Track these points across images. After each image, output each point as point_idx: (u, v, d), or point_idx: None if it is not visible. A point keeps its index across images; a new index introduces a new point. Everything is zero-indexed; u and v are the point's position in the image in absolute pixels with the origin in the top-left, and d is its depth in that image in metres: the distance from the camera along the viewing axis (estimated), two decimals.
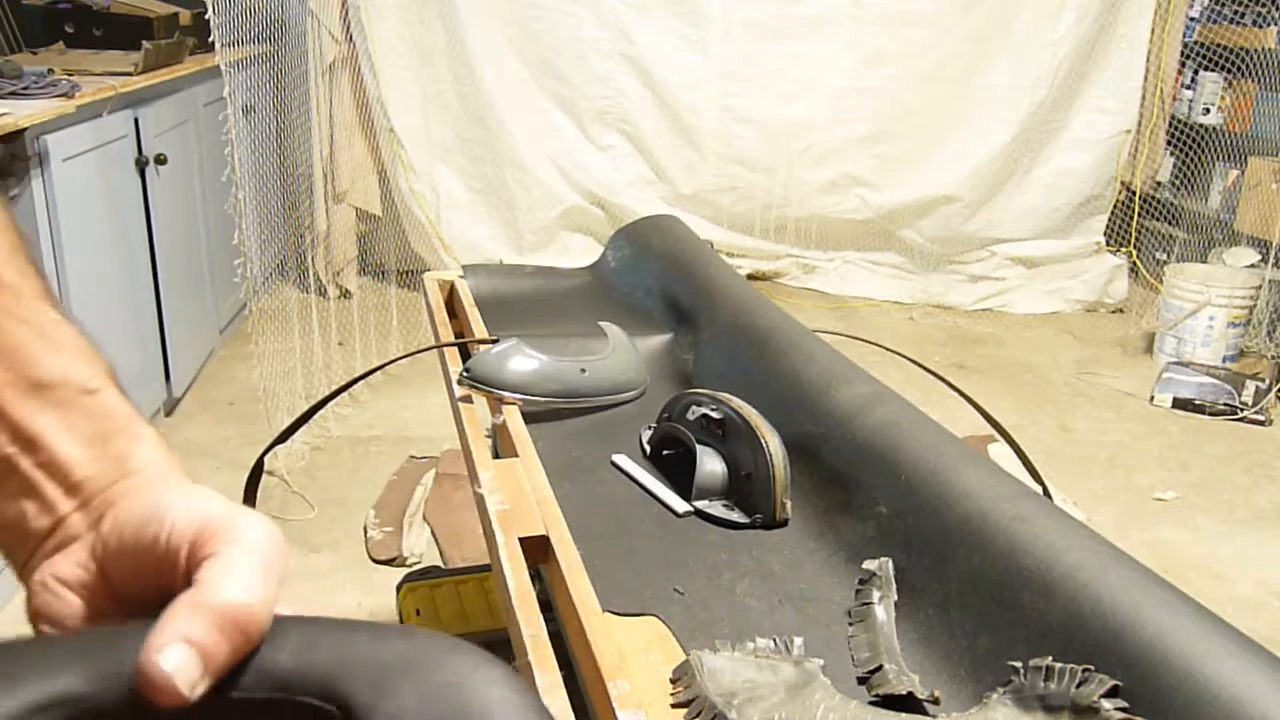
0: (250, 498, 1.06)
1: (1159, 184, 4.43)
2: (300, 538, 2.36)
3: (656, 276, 1.47)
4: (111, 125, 2.61)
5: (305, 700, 0.31)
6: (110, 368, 0.41)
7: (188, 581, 0.33)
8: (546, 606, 0.75)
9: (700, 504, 0.96)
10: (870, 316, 4.20)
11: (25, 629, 0.38)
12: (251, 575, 0.33)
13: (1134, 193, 4.27)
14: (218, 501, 0.35)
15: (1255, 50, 3.97)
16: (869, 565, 0.83)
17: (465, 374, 1.07)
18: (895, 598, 0.79)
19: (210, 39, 2.53)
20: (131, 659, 0.31)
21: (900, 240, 4.40)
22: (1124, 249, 4.36)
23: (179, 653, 0.31)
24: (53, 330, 0.40)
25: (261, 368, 2.81)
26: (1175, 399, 3.34)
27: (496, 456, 1.00)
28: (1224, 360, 3.63)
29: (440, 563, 2.29)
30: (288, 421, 1.25)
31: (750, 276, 4.23)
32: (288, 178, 3.50)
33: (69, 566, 0.37)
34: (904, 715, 0.67)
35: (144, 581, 0.35)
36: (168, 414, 3.00)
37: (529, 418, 1.07)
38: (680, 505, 0.96)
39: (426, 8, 3.80)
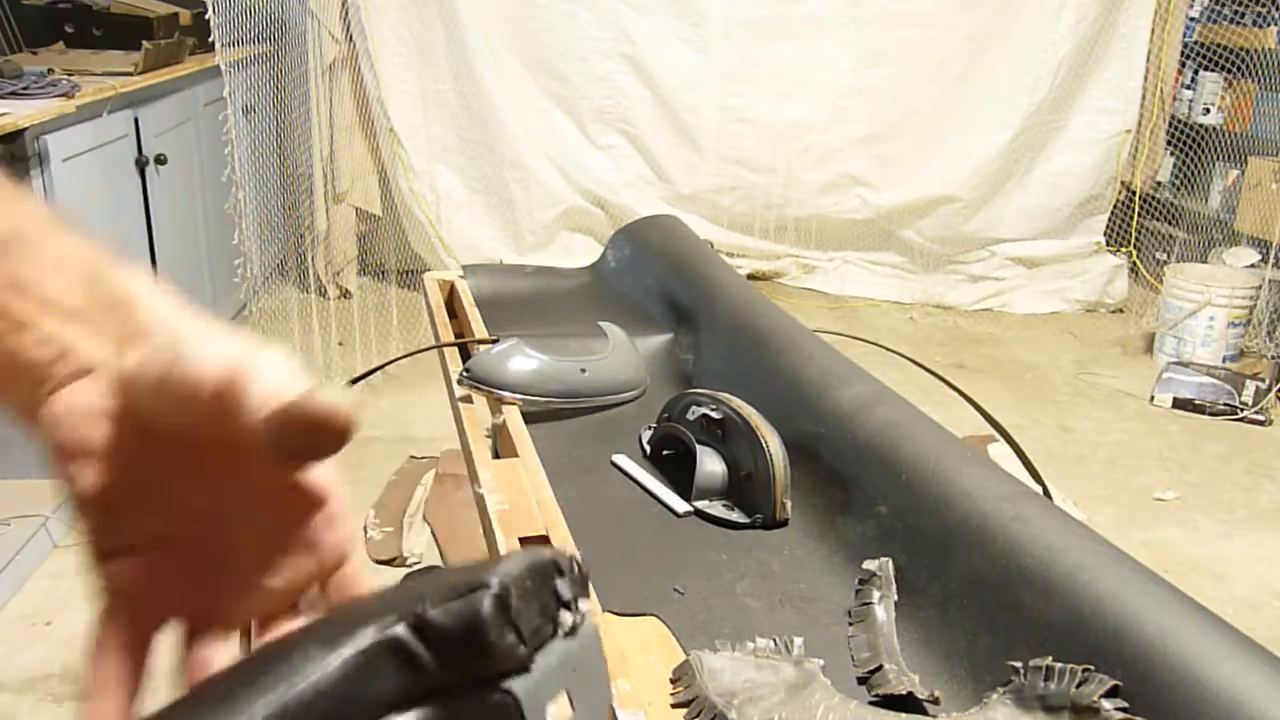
0: None
1: (1159, 184, 4.43)
2: None
3: (656, 276, 1.47)
4: (111, 125, 2.61)
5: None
6: (93, 238, 0.41)
7: (225, 419, 0.33)
8: None
9: (700, 504, 0.96)
10: (870, 316, 4.20)
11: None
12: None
13: (1134, 193, 4.27)
14: (236, 343, 0.35)
15: (1255, 50, 3.97)
16: (869, 565, 0.83)
17: (465, 374, 1.07)
18: (895, 598, 0.79)
19: (210, 39, 2.53)
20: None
21: (900, 240, 4.40)
22: (1124, 249, 4.36)
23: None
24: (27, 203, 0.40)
25: None
26: (1175, 399, 3.34)
27: (496, 456, 1.00)
28: (1224, 360, 3.63)
29: (440, 563, 2.29)
30: None
31: (750, 276, 4.23)
32: (288, 178, 3.50)
33: (90, 396, 0.36)
34: (904, 715, 0.67)
35: (177, 413, 0.35)
36: None
37: (529, 418, 1.07)
38: (680, 505, 0.97)
39: (426, 8, 3.80)
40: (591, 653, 0.33)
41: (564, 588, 0.32)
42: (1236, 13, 4.14)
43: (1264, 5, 3.99)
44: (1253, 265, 3.86)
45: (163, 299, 0.38)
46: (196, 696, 0.30)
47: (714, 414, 0.99)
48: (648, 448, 1.08)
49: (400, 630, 0.29)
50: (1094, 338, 4.03)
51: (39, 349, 0.36)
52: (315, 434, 0.31)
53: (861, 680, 0.73)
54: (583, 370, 1.14)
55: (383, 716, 0.29)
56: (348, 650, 0.29)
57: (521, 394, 1.08)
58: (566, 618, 0.32)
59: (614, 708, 0.63)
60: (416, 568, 2.19)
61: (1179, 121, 4.33)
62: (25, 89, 2.35)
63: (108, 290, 0.38)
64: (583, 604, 0.33)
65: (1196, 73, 4.35)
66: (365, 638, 0.29)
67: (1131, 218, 4.31)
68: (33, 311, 0.36)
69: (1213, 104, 4.32)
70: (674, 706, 0.69)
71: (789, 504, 0.94)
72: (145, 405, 0.35)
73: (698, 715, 0.67)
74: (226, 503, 0.37)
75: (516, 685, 0.30)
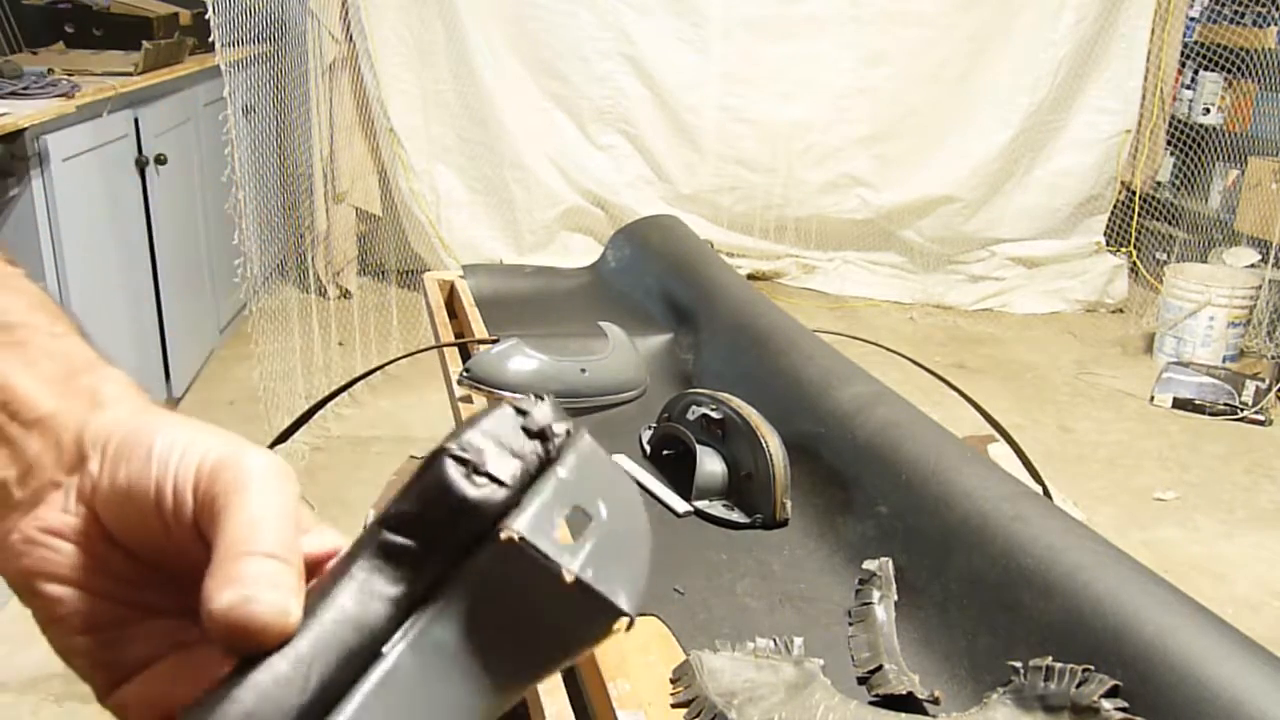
0: None
1: (1159, 184, 4.44)
2: None
3: (656, 276, 1.47)
4: (111, 125, 2.61)
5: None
6: (78, 324, 0.38)
7: (197, 532, 0.32)
8: None
9: (700, 504, 0.96)
10: (870, 316, 4.20)
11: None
12: (271, 519, 0.31)
13: (1134, 193, 4.27)
14: (217, 438, 0.33)
15: (1255, 50, 3.97)
16: (869, 565, 0.83)
17: (465, 374, 1.07)
18: (895, 598, 0.79)
19: (210, 39, 2.53)
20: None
21: (900, 240, 4.40)
22: (1124, 249, 4.37)
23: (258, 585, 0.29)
24: (13, 281, 0.38)
25: (261, 368, 2.81)
26: (1175, 399, 3.34)
27: None
28: (1224, 360, 3.63)
29: None
30: (288, 421, 1.25)
31: (750, 276, 4.23)
32: (288, 178, 3.50)
33: (54, 515, 0.33)
34: (904, 715, 0.67)
35: (146, 528, 0.32)
36: None
37: None
38: (680, 505, 0.96)
39: (426, 8, 3.80)
40: (593, 464, 0.32)
41: (534, 420, 0.31)
42: (1236, 13, 4.14)
43: (1264, 5, 3.99)
44: (1253, 265, 3.86)
45: (129, 400, 0.35)
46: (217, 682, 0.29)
47: (714, 414, 0.99)
48: (648, 448, 1.08)
49: (383, 535, 0.29)
50: (1094, 338, 4.03)
51: (6, 467, 0.33)
52: (252, 641, 0.29)
53: (861, 680, 0.73)
54: (583, 370, 1.14)
55: (405, 619, 0.29)
56: (345, 582, 0.29)
57: (521, 394, 1.08)
58: (545, 445, 0.31)
59: (614, 707, 0.63)
60: None
61: (1179, 121, 4.33)
62: (25, 89, 2.35)
63: (79, 393, 0.35)
64: (559, 426, 0.31)
65: (1196, 73, 4.35)
66: (360, 565, 0.29)
67: (1131, 218, 4.31)
68: (2, 418, 0.34)
69: (1213, 104, 4.32)
70: (674, 706, 0.69)
71: (789, 504, 0.94)
72: (114, 521, 0.33)
73: (698, 715, 0.67)
74: None
75: (512, 522, 0.29)
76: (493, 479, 0.29)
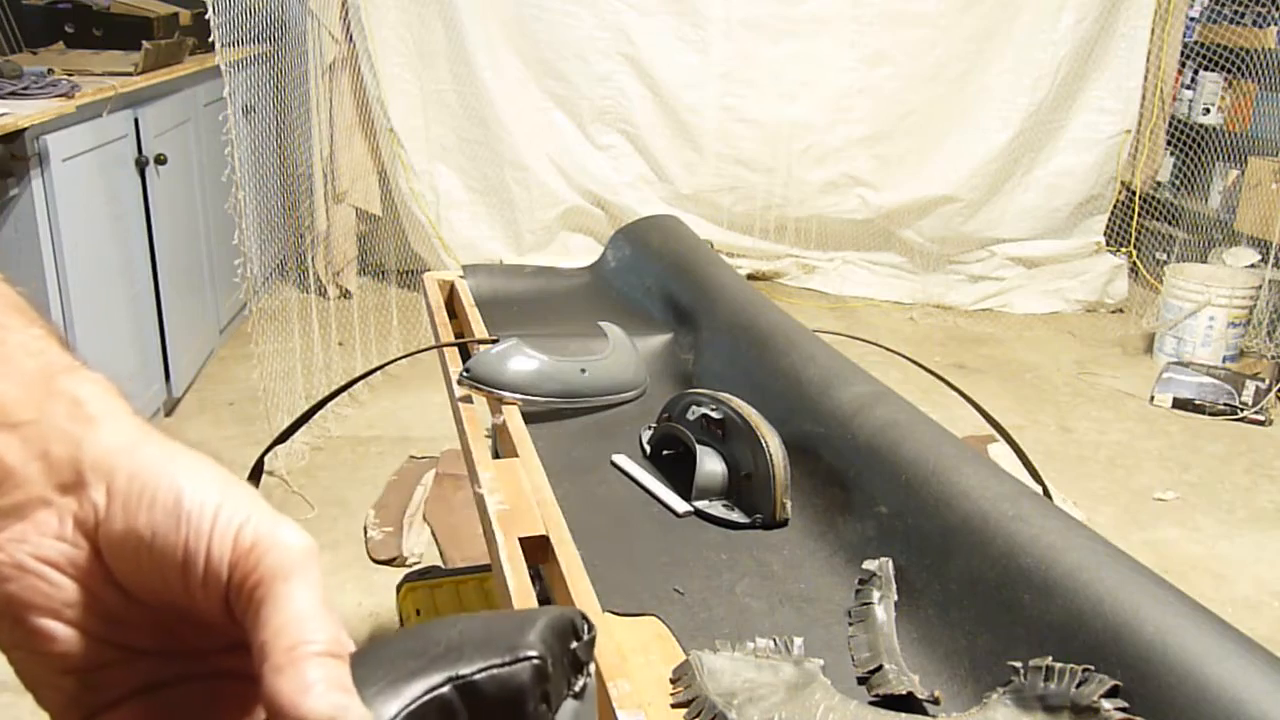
0: None
1: (1159, 184, 4.44)
2: None
3: (656, 276, 1.47)
4: (111, 125, 2.61)
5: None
6: (57, 331, 0.36)
7: (226, 606, 0.30)
8: None
9: (700, 504, 0.96)
10: (870, 316, 4.20)
11: None
12: (317, 612, 0.30)
13: (1134, 193, 4.27)
14: (247, 501, 0.31)
15: (1255, 50, 3.97)
16: (869, 565, 0.83)
17: (465, 374, 1.07)
18: (895, 598, 0.79)
19: (210, 39, 2.53)
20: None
21: (900, 240, 4.40)
22: (1124, 249, 4.37)
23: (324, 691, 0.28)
24: None
25: (261, 368, 2.81)
26: (1175, 399, 3.34)
27: (496, 456, 1.00)
28: (1224, 360, 3.63)
29: (440, 563, 2.29)
30: (288, 421, 1.25)
31: (750, 276, 4.23)
32: (288, 178, 3.50)
33: (49, 542, 0.31)
34: (904, 715, 0.67)
35: (161, 580, 0.31)
36: (168, 414, 3.00)
37: (529, 418, 1.07)
38: (680, 505, 0.96)
39: (426, 8, 3.80)
40: (590, 713, 0.36)
41: (580, 651, 0.35)
42: (1236, 13, 4.14)
43: (1264, 5, 3.99)
44: (1253, 265, 3.86)
45: (121, 416, 0.33)
46: None
47: (714, 414, 0.99)
48: (648, 448, 1.08)
49: (447, 690, 0.32)
50: (1094, 338, 4.03)
51: None
52: None
53: (861, 680, 0.73)
54: (583, 370, 1.14)
55: None
56: (394, 706, 0.31)
57: (521, 394, 1.08)
58: (579, 681, 0.35)
59: (614, 708, 0.63)
60: (416, 568, 2.19)
61: (1179, 121, 4.33)
62: (25, 89, 2.35)
63: (59, 399, 0.32)
64: (590, 667, 0.36)
65: (1196, 73, 4.35)
66: (413, 692, 0.31)
67: (1131, 218, 4.31)
68: None
69: (1213, 104, 4.32)
70: (674, 706, 0.69)
71: (789, 504, 0.94)
72: (122, 564, 0.31)
73: (698, 715, 0.67)
74: (212, 640, 0.33)
75: None
76: (547, 701, 0.33)
